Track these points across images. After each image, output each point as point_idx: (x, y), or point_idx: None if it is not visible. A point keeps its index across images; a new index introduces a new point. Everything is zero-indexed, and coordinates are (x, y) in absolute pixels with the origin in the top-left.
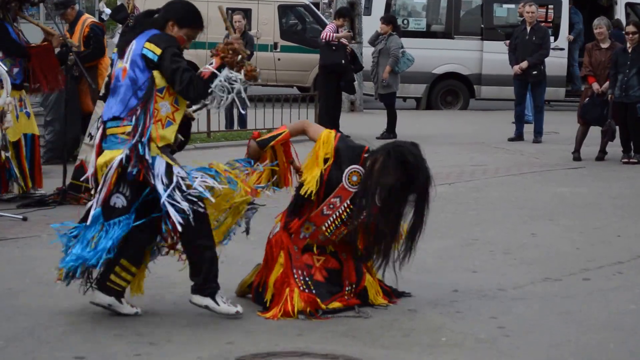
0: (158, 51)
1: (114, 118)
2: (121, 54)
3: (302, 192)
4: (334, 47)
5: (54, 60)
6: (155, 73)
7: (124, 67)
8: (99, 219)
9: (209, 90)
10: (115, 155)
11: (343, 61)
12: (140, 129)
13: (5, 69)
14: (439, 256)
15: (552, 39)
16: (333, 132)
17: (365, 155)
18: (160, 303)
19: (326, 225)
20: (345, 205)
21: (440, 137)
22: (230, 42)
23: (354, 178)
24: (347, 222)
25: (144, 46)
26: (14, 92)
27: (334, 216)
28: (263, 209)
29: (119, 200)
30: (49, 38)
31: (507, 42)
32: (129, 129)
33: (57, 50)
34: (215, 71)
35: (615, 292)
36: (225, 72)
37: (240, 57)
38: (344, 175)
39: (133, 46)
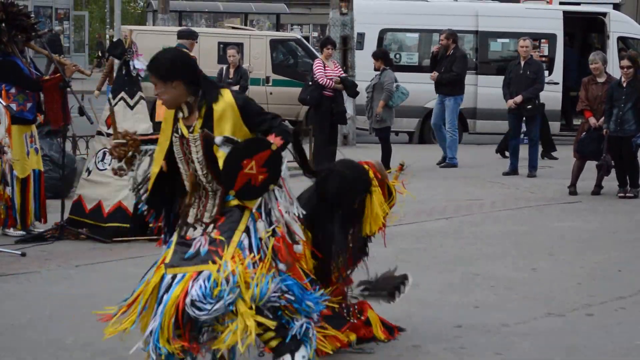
0: None
1: None
2: None
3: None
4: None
5: (60, 95)
6: None
7: None
8: None
9: None
10: None
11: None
12: None
13: (4, 103)
14: (440, 291)
15: (546, 73)
16: None
17: None
18: None
19: None
20: None
21: (435, 171)
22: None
23: None
24: None
25: None
26: (25, 128)
27: None
28: None
29: None
30: (60, 68)
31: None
32: None
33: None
34: None
35: (619, 327)
36: None
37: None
38: None
39: None
